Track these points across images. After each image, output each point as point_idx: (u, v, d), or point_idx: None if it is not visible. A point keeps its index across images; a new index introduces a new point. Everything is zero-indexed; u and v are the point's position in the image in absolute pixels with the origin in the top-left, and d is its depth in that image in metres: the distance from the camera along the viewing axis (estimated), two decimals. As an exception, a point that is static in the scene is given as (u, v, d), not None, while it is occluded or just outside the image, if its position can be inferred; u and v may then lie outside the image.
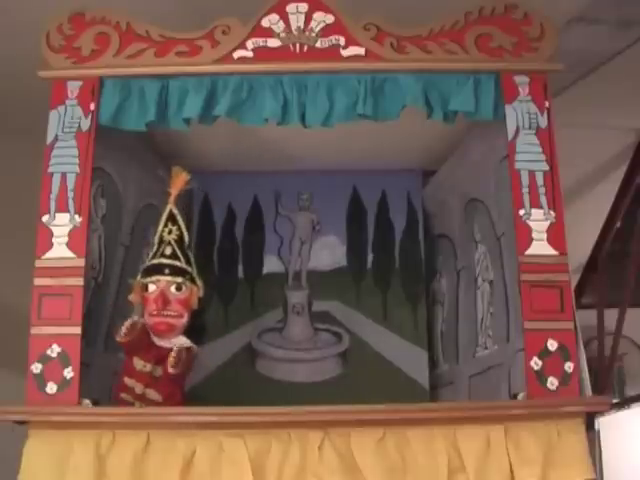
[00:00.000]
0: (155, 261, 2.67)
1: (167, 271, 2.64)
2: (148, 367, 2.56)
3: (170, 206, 2.74)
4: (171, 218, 2.73)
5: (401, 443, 2.37)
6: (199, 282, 2.71)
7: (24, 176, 2.97)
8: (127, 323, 2.54)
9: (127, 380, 2.57)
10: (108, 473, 2.33)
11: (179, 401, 2.58)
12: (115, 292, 2.90)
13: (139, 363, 2.56)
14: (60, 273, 2.48)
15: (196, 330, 2.70)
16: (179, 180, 2.76)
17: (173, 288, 2.63)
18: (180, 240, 2.71)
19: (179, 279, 2.64)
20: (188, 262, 2.70)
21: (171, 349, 2.55)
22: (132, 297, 2.69)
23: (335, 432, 2.37)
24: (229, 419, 2.39)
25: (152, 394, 2.56)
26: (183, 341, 2.61)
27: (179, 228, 2.73)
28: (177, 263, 2.67)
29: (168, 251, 2.67)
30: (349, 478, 2.33)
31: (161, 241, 2.70)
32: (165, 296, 2.61)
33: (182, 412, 2.45)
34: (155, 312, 2.61)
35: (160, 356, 2.55)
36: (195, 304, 2.68)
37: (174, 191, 2.76)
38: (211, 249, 3.49)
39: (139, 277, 2.69)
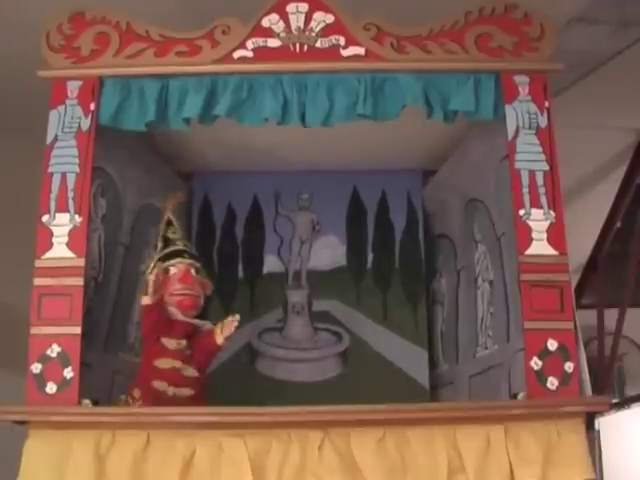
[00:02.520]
0: (174, 248, 2.80)
1: (187, 255, 2.79)
2: (183, 343, 2.66)
3: (168, 215, 2.88)
4: (171, 224, 2.88)
5: (401, 443, 2.37)
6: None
7: (24, 176, 2.97)
8: (152, 277, 2.67)
9: (160, 362, 2.61)
10: (108, 473, 2.33)
11: (205, 380, 2.70)
12: (115, 292, 2.90)
13: (171, 342, 2.64)
14: (60, 273, 2.48)
15: None
16: (175, 200, 2.93)
17: (193, 271, 2.76)
18: (183, 239, 2.88)
19: (198, 263, 2.79)
20: None
21: (192, 325, 2.68)
22: (152, 278, 2.71)
23: (335, 432, 2.37)
24: (229, 419, 2.39)
25: (190, 371, 2.63)
26: (201, 322, 2.73)
27: (179, 232, 2.88)
28: (192, 251, 2.85)
29: (180, 244, 2.82)
30: (349, 478, 2.33)
31: (167, 239, 2.83)
32: (191, 274, 2.74)
33: (182, 412, 2.45)
34: (179, 291, 2.71)
35: (187, 332, 2.68)
36: (209, 290, 2.82)
37: (170, 206, 2.90)
38: (211, 249, 3.49)
39: (152, 265, 2.74)
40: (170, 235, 2.84)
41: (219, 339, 2.65)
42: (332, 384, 3.33)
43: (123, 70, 2.65)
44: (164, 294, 2.70)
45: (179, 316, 2.69)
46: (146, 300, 2.66)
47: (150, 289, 2.65)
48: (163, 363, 2.62)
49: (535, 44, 2.66)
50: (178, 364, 2.62)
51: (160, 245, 2.81)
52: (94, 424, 2.37)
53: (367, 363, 3.35)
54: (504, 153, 2.65)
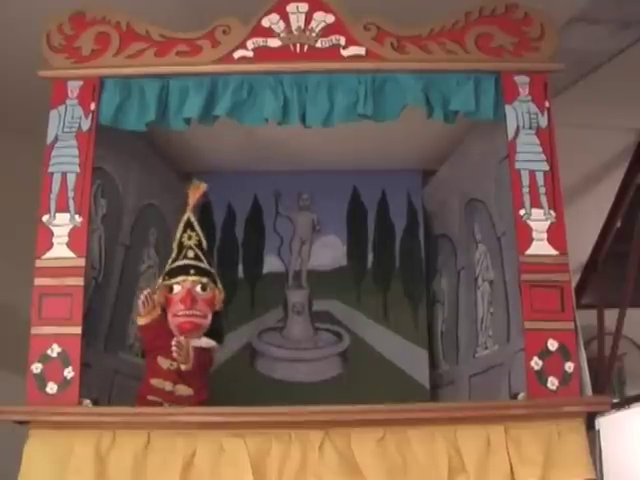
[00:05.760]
0: (180, 263, 2.71)
1: (192, 271, 2.69)
2: (175, 365, 2.58)
3: (188, 214, 2.80)
4: (189, 225, 2.79)
5: (401, 443, 2.37)
6: (220, 285, 2.76)
7: (24, 176, 2.97)
8: (142, 298, 2.59)
9: (154, 381, 2.59)
10: (108, 473, 2.33)
11: (206, 395, 2.63)
12: (115, 292, 2.90)
13: (165, 362, 2.59)
14: (60, 273, 2.48)
15: (213, 333, 2.72)
16: (197, 192, 2.83)
17: (198, 288, 2.67)
18: (200, 245, 2.78)
19: (204, 279, 2.69)
20: (210, 265, 2.77)
21: (196, 347, 2.60)
22: (157, 298, 2.69)
23: (335, 432, 2.37)
24: (229, 419, 2.39)
25: (183, 389, 2.59)
26: (205, 341, 2.66)
27: (197, 234, 2.79)
28: (201, 264, 2.72)
29: (191, 254, 2.73)
30: (349, 478, 2.33)
31: (181, 246, 2.75)
32: (192, 295, 2.64)
33: (182, 412, 2.46)
34: (181, 312, 2.64)
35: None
36: (218, 305, 2.73)
37: (192, 201, 2.82)
38: (211, 249, 3.48)
39: (161, 280, 2.71)
40: (185, 240, 2.74)
41: (140, 321, 2.61)
42: (332, 384, 3.33)
43: (123, 70, 2.65)
44: (167, 313, 2.66)
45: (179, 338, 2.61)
46: (140, 321, 2.62)
47: (141, 310, 2.60)
48: (157, 383, 2.59)
49: (535, 44, 2.66)
50: (169, 386, 2.58)
51: (174, 253, 2.74)
52: (95, 424, 2.38)
53: (367, 363, 3.35)
54: (504, 153, 2.65)
